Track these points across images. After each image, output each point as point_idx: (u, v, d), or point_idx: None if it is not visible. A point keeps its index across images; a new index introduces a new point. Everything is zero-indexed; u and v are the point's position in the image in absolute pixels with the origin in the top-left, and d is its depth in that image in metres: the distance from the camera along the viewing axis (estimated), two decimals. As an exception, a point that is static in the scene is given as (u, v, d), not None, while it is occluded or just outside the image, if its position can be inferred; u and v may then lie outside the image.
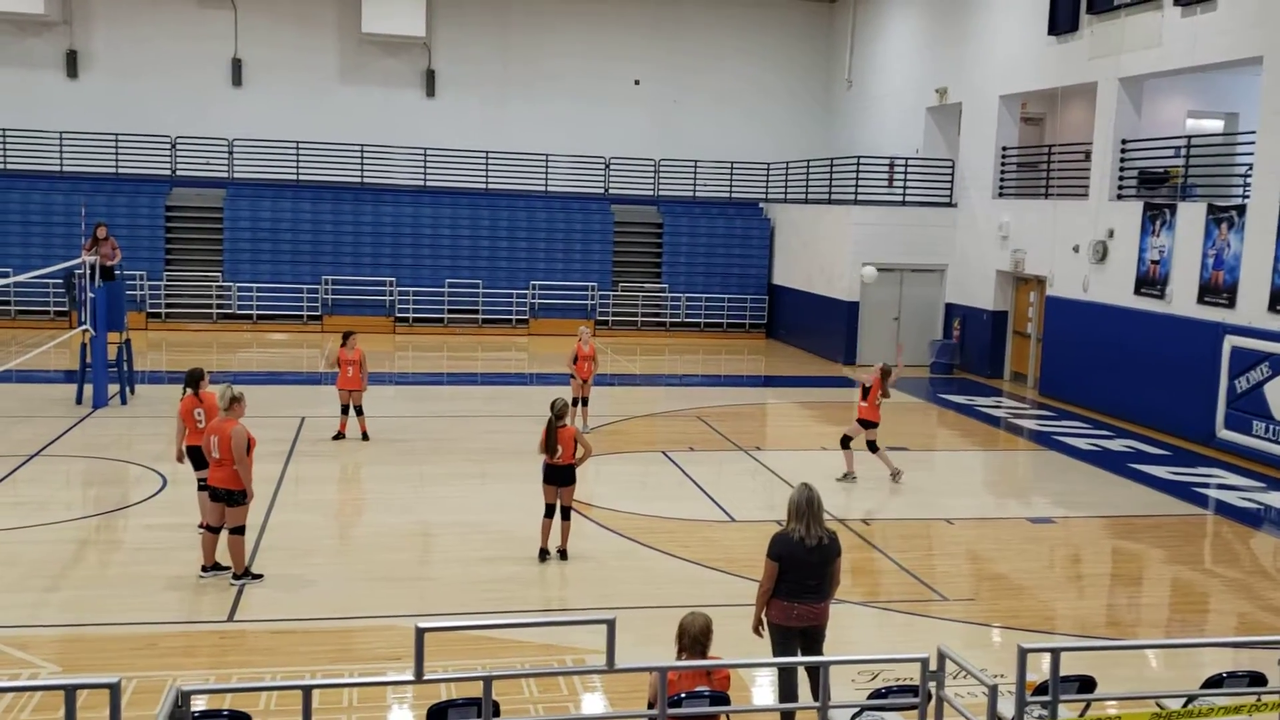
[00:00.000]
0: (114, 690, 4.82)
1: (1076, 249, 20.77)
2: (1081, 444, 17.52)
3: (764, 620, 7.45)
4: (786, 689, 7.36)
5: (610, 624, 5.35)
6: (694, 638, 6.18)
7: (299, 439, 15.66)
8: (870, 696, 6.46)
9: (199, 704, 5.62)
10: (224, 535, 10.08)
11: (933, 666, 5.97)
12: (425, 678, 5.23)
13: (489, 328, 28.39)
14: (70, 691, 4.85)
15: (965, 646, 8.92)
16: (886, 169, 26.02)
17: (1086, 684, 6.45)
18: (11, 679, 7.99)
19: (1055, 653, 5.86)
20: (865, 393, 14.41)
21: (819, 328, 26.43)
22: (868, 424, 14.40)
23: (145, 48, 28.48)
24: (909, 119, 27.10)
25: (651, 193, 30.84)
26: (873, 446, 14.50)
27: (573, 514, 11.18)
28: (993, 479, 16.51)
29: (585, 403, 16.75)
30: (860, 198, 25.52)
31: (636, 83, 30.84)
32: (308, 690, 5.21)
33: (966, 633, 9.70)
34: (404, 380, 21.89)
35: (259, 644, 8.90)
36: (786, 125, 31.57)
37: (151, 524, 11.83)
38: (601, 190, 30.57)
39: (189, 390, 11.09)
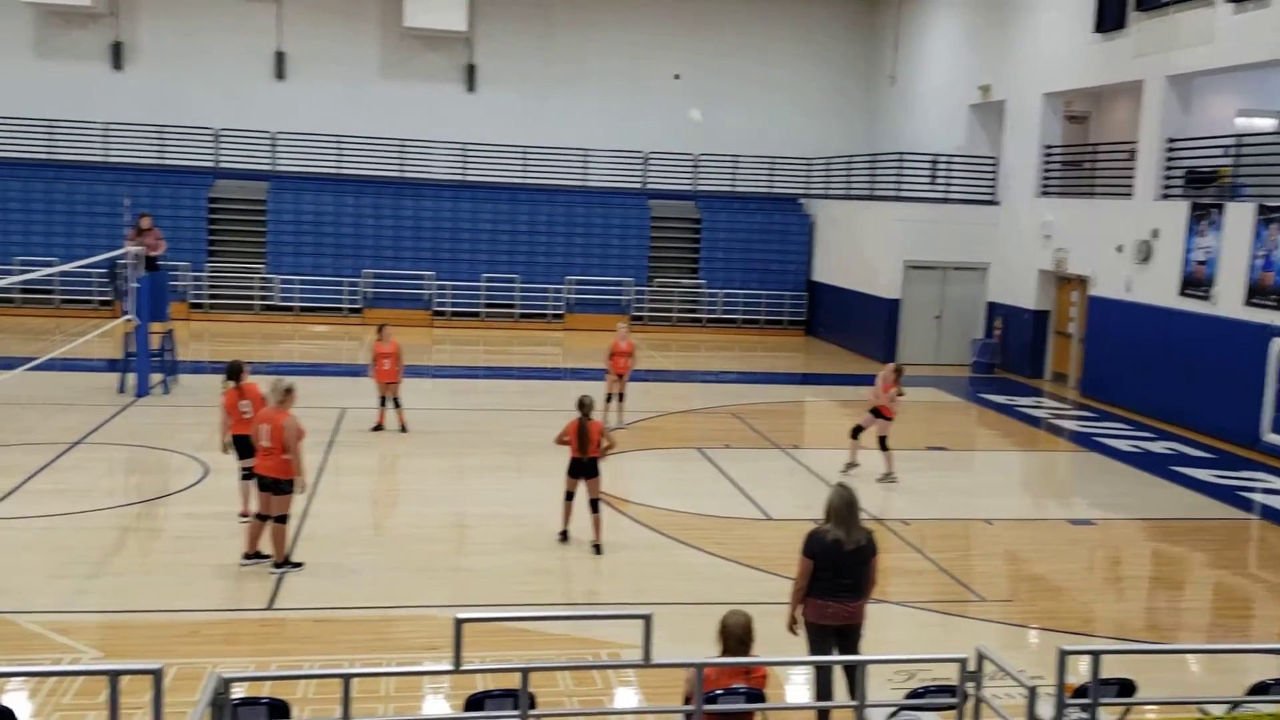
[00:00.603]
0: (156, 676, 4.87)
1: (1120, 249, 20.51)
2: (1123, 445, 17.31)
3: (798, 619, 7.42)
4: (822, 688, 7.33)
5: (647, 619, 5.34)
6: (740, 639, 6.18)
7: (339, 430, 15.79)
8: (907, 696, 6.43)
9: (238, 691, 5.68)
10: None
11: (971, 667, 5.92)
12: (463, 668, 5.25)
13: (525, 322, 28.47)
14: (113, 677, 4.91)
15: (1003, 647, 8.84)
16: (929, 166, 25.83)
17: (1126, 688, 6.37)
18: (54, 663, 8.11)
19: (1095, 655, 5.79)
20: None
21: (859, 325, 26.28)
22: (881, 415, 14.30)
23: (190, 40, 28.78)
24: (952, 116, 26.87)
25: (690, 188, 30.78)
26: (884, 444, 14.40)
27: (609, 509, 11.20)
28: (1032, 480, 16.35)
29: (621, 398, 16.75)
30: (902, 194, 25.34)
31: (677, 77, 30.79)
32: (347, 679, 5.25)
33: (1004, 634, 9.62)
34: (441, 373, 22.00)
35: (298, 632, 8.98)
36: (828, 121, 31.40)
37: (193, 512, 11.97)
38: (639, 185, 30.55)
39: (231, 383, 11.26)
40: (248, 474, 11.01)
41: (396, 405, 15.84)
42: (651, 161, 30.57)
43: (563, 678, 8.16)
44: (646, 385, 20.23)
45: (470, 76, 30.00)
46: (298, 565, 10.24)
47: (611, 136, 30.20)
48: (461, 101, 29.97)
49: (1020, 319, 23.81)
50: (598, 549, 11.12)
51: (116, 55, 28.64)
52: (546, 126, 30.00)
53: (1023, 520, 13.39)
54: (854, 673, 7.17)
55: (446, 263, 28.49)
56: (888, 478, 14.29)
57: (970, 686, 5.90)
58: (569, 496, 11.22)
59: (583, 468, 11.05)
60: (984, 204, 25.13)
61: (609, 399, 16.61)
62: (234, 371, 11.38)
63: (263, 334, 25.54)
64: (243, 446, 11.07)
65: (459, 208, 28.82)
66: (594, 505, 11.12)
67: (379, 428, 15.85)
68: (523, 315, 28.58)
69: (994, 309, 24.84)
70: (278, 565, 10.14)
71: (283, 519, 10.10)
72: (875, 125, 31.15)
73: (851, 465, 14.46)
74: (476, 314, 28.34)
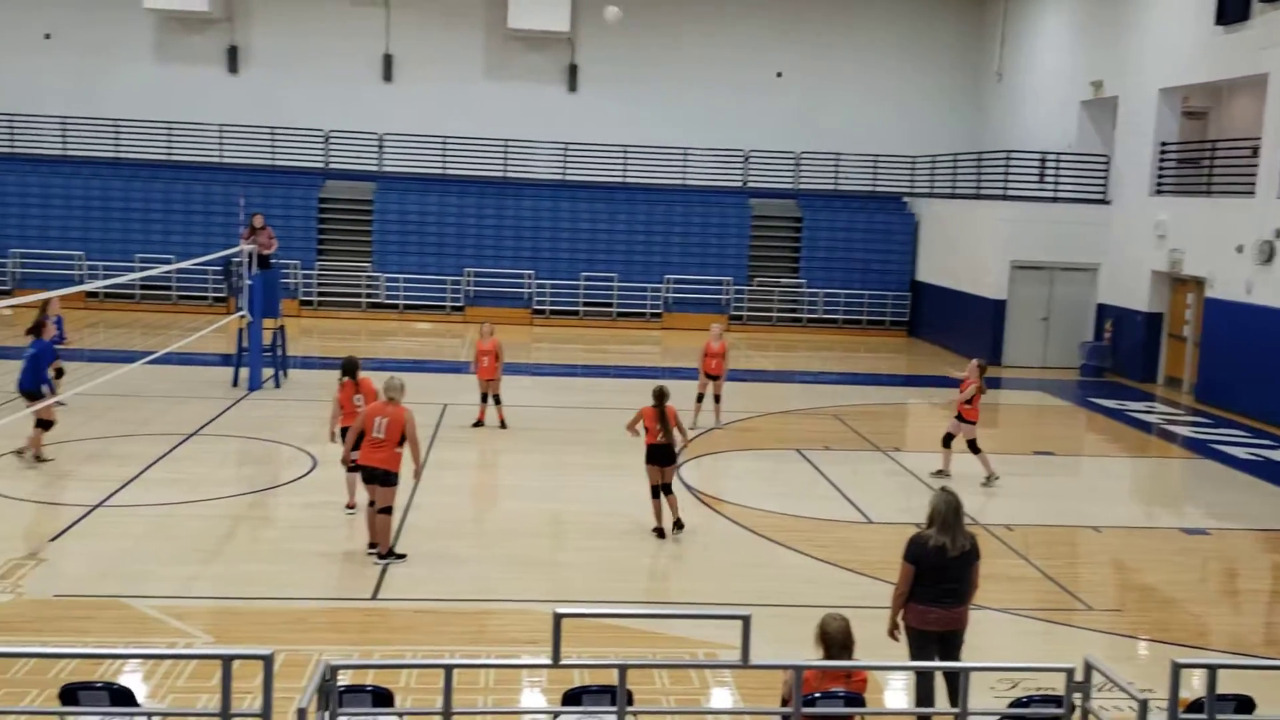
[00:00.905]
0: (267, 662, 5.02)
1: (1240, 249, 19.75)
2: (1240, 453, 16.67)
3: (899, 624, 7.32)
4: (924, 694, 7.22)
5: (746, 620, 5.32)
6: (840, 643, 6.12)
7: (440, 425, 16.06)
8: (1011, 705, 6.28)
9: (344, 678, 5.81)
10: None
11: (1078, 677, 5.76)
12: (562, 662, 5.29)
13: (623, 321, 28.58)
14: (226, 661, 5.08)
15: (1110, 659, 8.56)
16: (1037, 164, 25.22)
17: (1244, 704, 6.14)
18: (169, 647, 8.41)
19: (1212, 669, 5.59)
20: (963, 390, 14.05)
21: (964, 326, 25.79)
22: (966, 421, 14.05)
23: (301, 44, 29.56)
24: (1061, 113, 26.20)
25: (791, 186, 30.57)
26: (974, 447, 14.14)
27: (706, 509, 11.20)
28: (1143, 487, 15.85)
29: (718, 399, 16.68)
30: (1009, 193, 24.79)
31: (779, 75, 30.60)
32: (449, 669, 5.33)
33: (1112, 644, 9.36)
34: (540, 371, 22.22)
35: (400, 622, 9.16)
36: (932, 118, 30.87)
37: (301, 503, 12.30)
38: (740, 184, 30.45)
39: (347, 378, 11.67)
40: (355, 466, 11.28)
41: (497, 402, 16.05)
42: (752, 160, 30.43)
43: (659, 676, 8.17)
44: (745, 385, 20.15)
45: (572, 77, 30.23)
46: (401, 556, 10.45)
47: (712, 135, 30.14)
48: (563, 101, 30.23)
49: (1132, 321, 23.11)
50: (680, 525, 11.37)
51: (232, 59, 29.55)
52: (647, 126, 30.08)
53: (1133, 528, 12.99)
54: (956, 680, 7.04)
55: (546, 261, 28.76)
56: (990, 480, 14.00)
57: (1077, 697, 5.75)
58: (656, 494, 11.35)
59: (663, 453, 11.23)
60: (1094, 203, 24.44)
61: (700, 399, 16.58)
62: (350, 367, 11.82)
63: (369, 331, 26.10)
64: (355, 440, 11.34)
65: (559, 207, 29.07)
66: (668, 489, 11.36)
67: (479, 424, 16.08)
68: (620, 314, 28.70)
69: (1104, 311, 24.14)
70: (382, 556, 10.36)
71: (387, 510, 10.31)
72: (981, 122, 30.53)
73: (941, 473, 14.18)
74: (575, 312, 28.54)
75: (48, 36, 29.02)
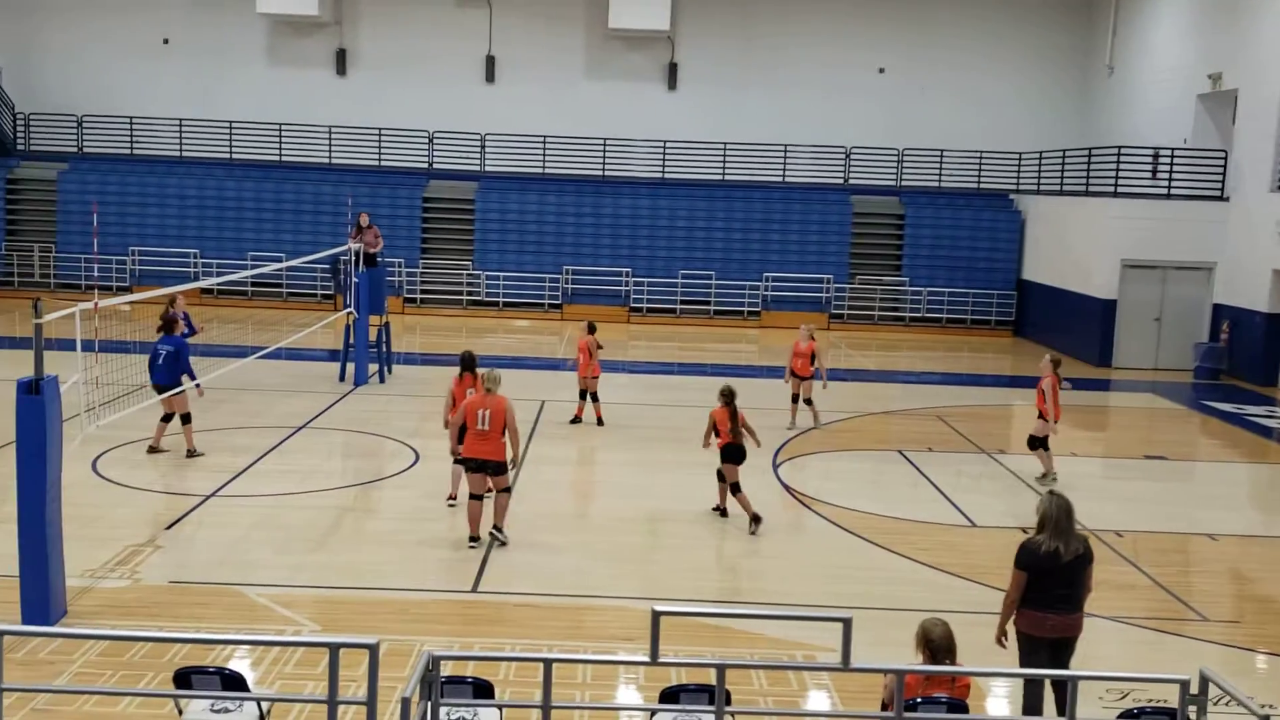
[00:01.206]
0: (372, 651, 5.11)
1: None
2: (1369, 461, 15.93)
3: (1006, 631, 7.16)
4: (1032, 702, 7.04)
5: (847, 622, 5.25)
6: (944, 647, 6.01)
7: (539, 421, 16.21)
8: (1121, 716, 6.09)
9: (445, 669, 5.89)
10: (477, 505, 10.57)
11: (1194, 690, 5.55)
12: (660, 660, 5.29)
13: (720, 319, 28.50)
14: (334, 650, 5.19)
15: (1227, 672, 8.25)
16: (1150, 160, 24.44)
17: (1374, 723, 5.85)
18: (278, 634, 8.64)
19: (1339, 687, 5.34)
20: (1043, 394, 13.57)
21: (1072, 326, 25.12)
22: (1041, 416, 13.68)
23: (407, 46, 30.12)
24: (1177, 106, 25.33)
25: (894, 183, 30.13)
26: (1033, 444, 13.77)
27: (804, 508, 11.09)
28: (1262, 494, 15.24)
29: (809, 401, 16.48)
30: (1120, 190, 24.07)
31: (881, 71, 30.19)
32: (548, 663, 5.36)
33: (1228, 657, 9.01)
34: (637, 369, 22.27)
35: (499, 615, 9.27)
36: (1040, 113, 30.13)
37: (405, 496, 12.53)
38: (841, 180, 30.11)
39: (467, 372, 12.12)
40: (461, 459, 11.49)
41: (594, 399, 16.14)
42: (854, 156, 30.07)
43: (757, 676, 8.12)
44: (846, 385, 19.91)
45: (672, 75, 30.25)
46: (504, 543, 10.76)
47: (813, 131, 29.88)
48: (662, 100, 30.27)
49: (1251, 322, 22.23)
50: (758, 519, 11.56)
51: (340, 62, 30.26)
52: (747, 123, 29.95)
53: (1251, 537, 12.50)
54: (1063, 688, 6.87)
55: (644, 259, 28.84)
56: (1046, 478, 13.61)
57: (1192, 711, 5.54)
58: (736, 489, 11.67)
59: (737, 452, 11.61)
60: (1211, 200, 23.58)
61: (794, 399, 16.43)
62: (469, 362, 12.22)
63: (469, 328, 26.48)
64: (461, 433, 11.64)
65: (658, 205, 29.12)
66: (736, 488, 11.68)
67: (577, 420, 16.19)
68: (718, 312, 28.62)
69: (1220, 311, 23.28)
70: (497, 529, 10.80)
71: (508, 491, 10.84)
72: (1091, 117, 29.69)
73: (1046, 476, 13.80)
74: (672, 310, 28.55)
75: (166, 41, 30.08)
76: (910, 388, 21.11)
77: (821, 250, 28.96)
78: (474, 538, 10.71)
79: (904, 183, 30.13)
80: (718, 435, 11.78)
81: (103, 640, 8.16)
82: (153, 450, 13.70)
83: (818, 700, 8.01)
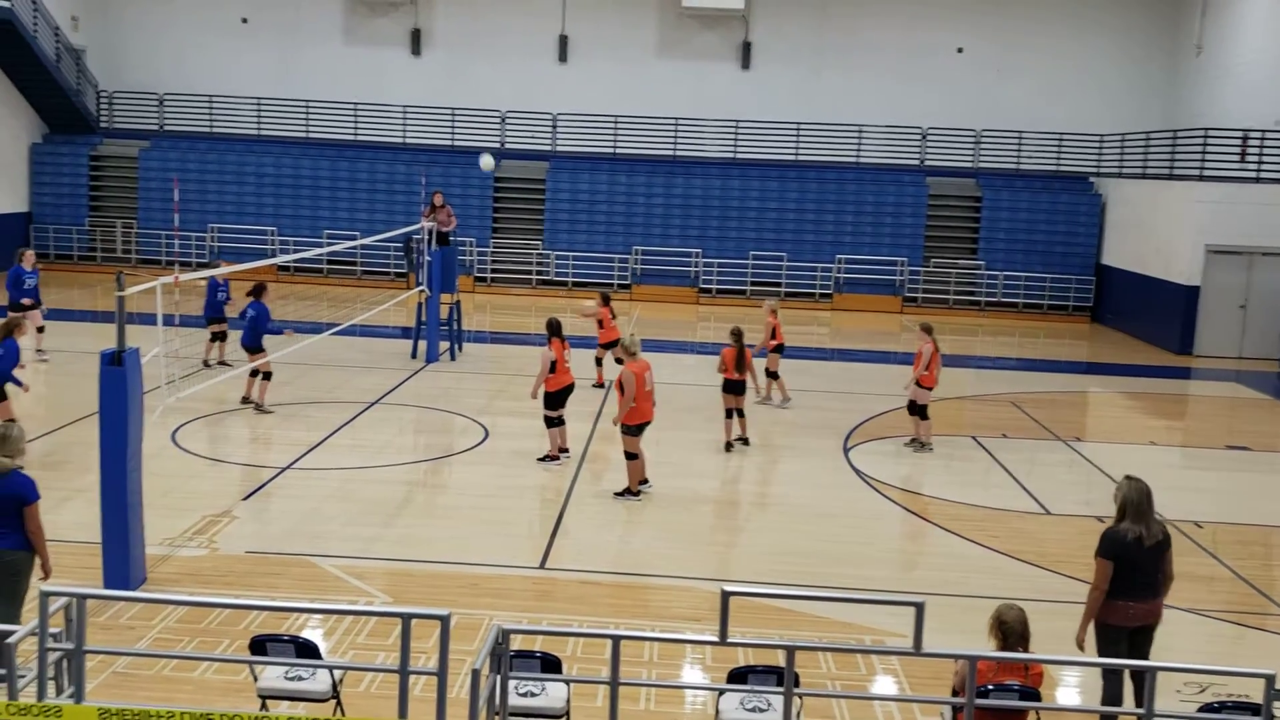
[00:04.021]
0: (444, 622, 5.16)
1: None
2: None
3: (1087, 627, 6.99)
4: (1112, 692, 6.88)
5: (919, 607, 5.17)
6: (1018, 634, 5.91)
7: (608, 400, 16.23)
8: (1201, 710, 5.95)
9: (514, 643, 5.92)
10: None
11: (1279, 685, 5.39)
12: (729, 640, 5.26)
13: (791, 301, 28.23)
14: (406, 620, 5.24)
15: (1314, 670, 8.02)
16: (1238, 142, 23.69)
17: None
18: (349, 604, 8.77)
19: None
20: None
21: (1152, 313, 24.51)
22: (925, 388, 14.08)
23: (481, 26, 30.22)
24: (1268, 88, 24.48)
25: (971, 165, 29.61)
26: (915, 409, 14.22)
27: (875, 493, 10.97)
28: (1352, 488, 14.74)
29: (774, 375, 16.63)
30: (1206, 173, 23.38)
31: (959, 50, 29.64)
32: (616, 640, 5.37)
33: (1315, 654, 8.74)
34: (705, 350, 22.19)
35: (567, 593, 9.31)
36: (1122, 94, 29.35)
37: (475, 472, 12.64)
38: (917, 162, 29.67)
39: (555, 337, 12.68)
40: (555, 421, 12.69)
41: (599, 364, 16.55)
42: (930, 137, 29.61)
43: (825, 659, 8.06)
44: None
45: (745, 54, 30.00)
46: (636, 494, 11.69)
47: (888, 111, 29.44)
48: (736, 79, 30.03)
49: (1343, 310, 21.49)
50: (746, 441, 13.79)
51: (415, 41, 30.47)
52: (821, 102, 29.60)
53: (1340, 531, 12.10)
54: (1141, 678, 6.72)
55: (714, 240, 28.70)
56: (921, 446, 14.14)
57: (1278, 706, 5.38)
58: (729, 414, 13.76)
59: (737, 386, 13.62)
60: (1303, 183, 22.80)
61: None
62: (556, 327, 12.81)
63: (538, 307, 26.57)
64: (557, 398, 12.60)
65: (729, 185, 28.94)
66: (740, 412, 13.81)
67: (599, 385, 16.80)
68: (789, 294, 28.39)
69: (1311, 299, 22.53)
70: (618, 494, 11.62)
71: (632, 456, 11.52)
72: (1177, 99, 28.84)
73: (918, 443, 14.19)
74: (742, 291, 28.38)
75: (244, 21, 30.52)
76: (984, 373, 20.77)
77: (896, 232, 28.58)
78: (645, 480, 11.83)
79: (981, 165, 29.58)
80: (724, 371, 13.58)
81: (181, 606, 8.35)
82: (260, 409, 14.57)
83: (887, 685, 7.93)
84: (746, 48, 29.98)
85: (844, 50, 29.69)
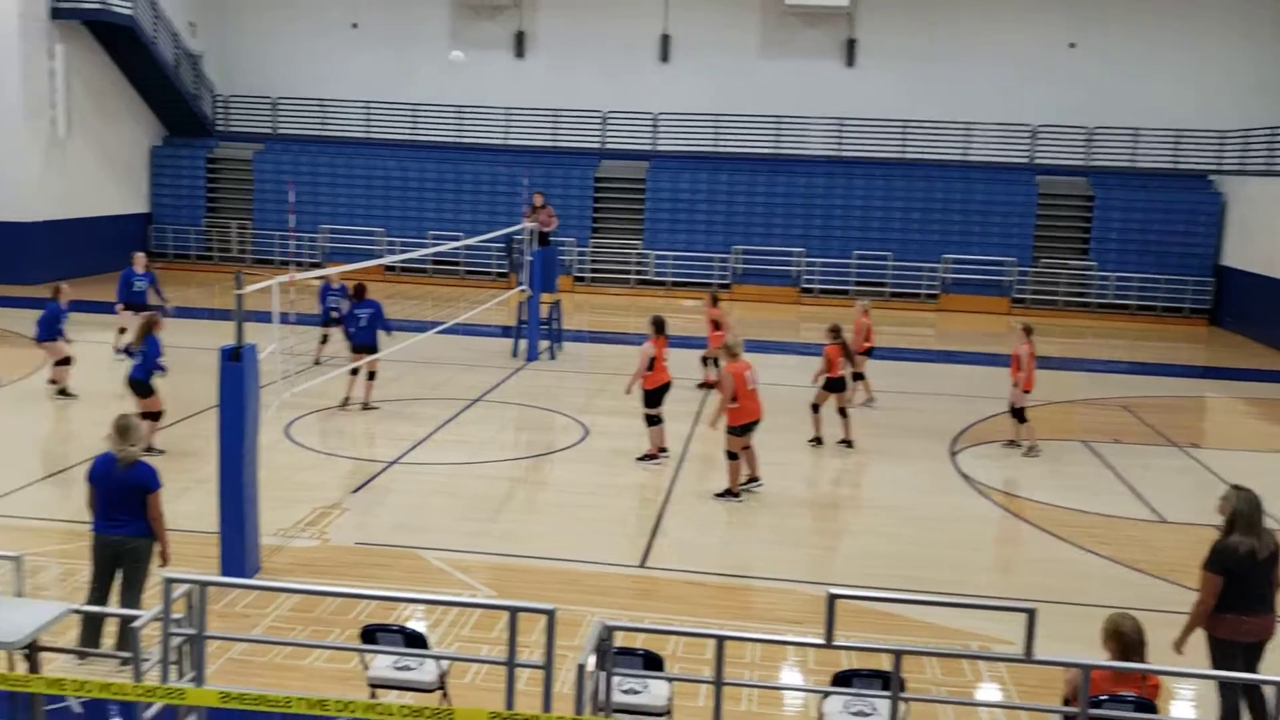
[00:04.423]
0: (550, 617, 5.21)
1: None
2: None
3: (1187, 639, 6.78)
4: (1230, 708, 6.64)
5: (1031, 614, 5.06)
6: (1135, 644, 5.73)
7: (708, 402, 16.21)
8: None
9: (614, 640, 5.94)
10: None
11: None
12: (834, 643, 5.21)
13: (896, 301, 27.86)
14: (513, 613, 5.30)
15: None
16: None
17: None
18: (455, 597, 8.90)
19: None
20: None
21: (1277, 316, 23.54)
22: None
23: (583, 28, 30.43)
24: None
25: (1082, 163, 28.82)
26: (1015, 413, 14.01)
27: (984, 499, 10.74)
28: None
29: (859, 376, 16.37)
30: (1334, 169, 22.39)
31: (1072, 45, 28.87)
32: (720, 640, 5.35)
33: None
34: (807, 350, 21.99)
35: (667, 592, 9.32)
36: (1245, 90, 28.19)
37: (575, 470, 12.73)
38: (1026, 160, 28.99)
39: (657, 334, 12.77)
40: (655, 420, 12.78)
41: (712, 363, 16.43)
42: (1040, 135, 28.91)
43: (930, 665, 7.93)
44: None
45: (850, 51, 29.66)
46: (736, 495, 11.62)
47: (997, 109, 28.82)
48: (840, 77, 29.71)
49: None
50: (849, 444, 13.72)
51: (519, 44, 30.83)
52: (927, 100, 29.11)
53: None
54: (1258, 694, 6.48)
55: (817, 239, 28.45)
56: (1027, 449, 13.85)
57: None
58: (844, 413, 13.87)
59: (839, 384, 13.68)
60: None
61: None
62: (660, 324, 12.88)
63: (637, 307, 26.65)
64: (654, 396, 12.71)
65: (833, 184, 28.67)
66: (843, 412, 13.88)
67: (705, 385, 16.59)
68: (894, 294, 28.00)
69: None
70: (719, 495, 11.55)
71: (733, 456, 11.49)
72: (1305, 92, 27.66)
73: (1021, 445, 13.92)
74: (845, 292, 28.05)
75: (355, 26, 31.24)
76: (1096, 376, 20.20)
77: (1004, 232, 27.96)
78: (757, 480, 11.83)
79: (1094, 163, 28.78)
80: (828, 371, 13.62)
81: (293, 595, 8.58)
82: (347, 403, 14.83)
83: (994, 692, 7.76)
84: (851, 45, 29.64)
85: (951, 46, 29.15)
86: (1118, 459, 13.94)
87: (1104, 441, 14.83)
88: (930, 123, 28.96)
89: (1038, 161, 28.87)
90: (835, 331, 13.81)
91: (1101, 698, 5.51)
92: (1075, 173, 28.62)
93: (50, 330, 14.69)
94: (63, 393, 14.87)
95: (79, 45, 26.32)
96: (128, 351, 12.44)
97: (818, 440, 13.94)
